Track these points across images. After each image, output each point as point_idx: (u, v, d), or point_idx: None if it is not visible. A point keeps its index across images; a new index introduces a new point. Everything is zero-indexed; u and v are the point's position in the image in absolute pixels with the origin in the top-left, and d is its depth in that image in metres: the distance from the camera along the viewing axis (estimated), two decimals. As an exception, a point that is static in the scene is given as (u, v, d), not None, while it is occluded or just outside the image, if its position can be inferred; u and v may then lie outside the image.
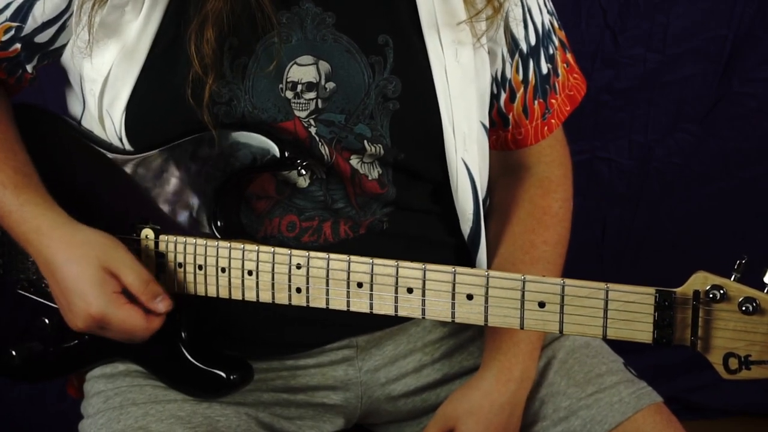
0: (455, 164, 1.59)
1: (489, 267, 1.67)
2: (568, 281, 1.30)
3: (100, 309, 1.48)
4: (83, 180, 1.63)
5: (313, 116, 1.54)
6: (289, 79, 1.53)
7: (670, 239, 2.99)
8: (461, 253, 1.68)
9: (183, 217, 1.54)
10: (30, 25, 1.57)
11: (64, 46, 1.60)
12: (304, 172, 1.53)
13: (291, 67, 1.53)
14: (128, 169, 1.57)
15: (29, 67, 1.63)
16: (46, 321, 1.63)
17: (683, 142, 2.90)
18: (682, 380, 2.91)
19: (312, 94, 1.53)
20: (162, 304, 1.50)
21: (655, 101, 2.86)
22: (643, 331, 1.27)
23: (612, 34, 2.80)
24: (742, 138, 2.89)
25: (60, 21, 1.56)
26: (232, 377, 1.56)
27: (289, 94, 1.53)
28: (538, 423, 1.62)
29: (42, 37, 1.58)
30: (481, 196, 1.64)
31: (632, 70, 2.83)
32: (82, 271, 1.49)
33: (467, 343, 1.70)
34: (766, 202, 2.95)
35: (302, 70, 1.53)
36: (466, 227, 1.65)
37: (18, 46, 1.59)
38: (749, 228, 2.97)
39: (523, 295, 1.32)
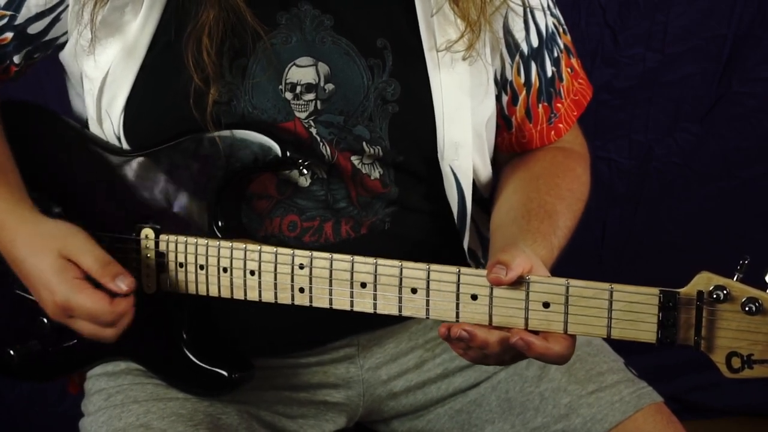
0: (443, 170, 1.59)
1: (503, 216, 1.61)
2: (572, 281, 1.30)
3: (63, 296, 1.48)
4: (82, 179, 1.63)
5: (313, 117, 1.54)
6: (288, 80, 1.53)
7: (670, 239, 2.99)
8: (463, 255, 1.68)
9: (183, 216, 1.54)
10: (24, 15, 1.58)
11: (56, 39, 1.61)
12: (306, 171, 1.53)
13: (290, 68, 1.53)
14: (128, 168, 1.57)
15: (16, 58, 1.63)
16: (45, 321, 1.62)
17: (683, 142, 2.90)
18: (682, 380, 2.91)
19: (311, 96, 1.54)
20: (124, 283, 1.48)
21: (654, 101, 2.87)
22: (647, 332, 1.27)
23: (612, 33, 2.80)
24: (742, 138, 2.90)
25: (54, 12, 1.58)
26: (234, 375, 1.56)
27: (289, 95, 1.53)
28: (538, 419, 1.63)
29: (35, 28, 1.59)
30: (468, 203, 1.62)
31: (632, 69, 2.84)
32: (42, 261, 1.49)
33: None
34: (766, 202, 2.96)
35: (301, 72, 1.54)
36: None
37: (9, 35, 1.60)
38: (749, 228, 2.97)
39: (527, 296, 1.31)
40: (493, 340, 1.33)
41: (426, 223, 1.64)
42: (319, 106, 1.54)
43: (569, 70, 1.71)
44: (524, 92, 1.66)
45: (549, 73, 1.67)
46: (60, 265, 1.49)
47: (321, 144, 1.55)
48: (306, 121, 1.54)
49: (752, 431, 3.01)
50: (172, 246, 1.53)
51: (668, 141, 2.90)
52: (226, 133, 1.51)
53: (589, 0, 2.77)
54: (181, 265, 1.52)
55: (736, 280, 1.24)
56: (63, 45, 1.62)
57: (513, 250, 1.34)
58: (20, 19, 1.58)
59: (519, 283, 1.32)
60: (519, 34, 1.62)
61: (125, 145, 1.58)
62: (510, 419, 1.65)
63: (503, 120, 1.68)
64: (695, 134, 2.90)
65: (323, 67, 1.54)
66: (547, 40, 1.65)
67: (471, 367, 1.69)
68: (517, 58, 1.63)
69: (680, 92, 2.86)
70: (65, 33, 1.60)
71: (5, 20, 1.59)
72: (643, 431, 1.59)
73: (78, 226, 1.53)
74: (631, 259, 2.99)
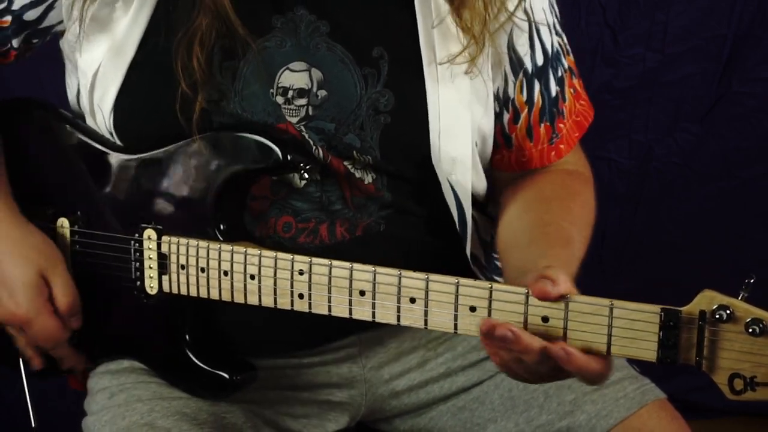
0: (441, 183, 1.57)
1: (518, 235, 1.58)
2: (572, 297, 1.28)
3: (28, 313, 1.55)
4: (85, 178, 1.63)
5: (303, 123, 1.53)
6: (280, 85, 1.52)
7: (670, 239, 2.99)
8: (460, 259, 1.67)
9: (185, 219, 1.54)
10: (18, 2, 1.58)
11: (52, 27, 1.61)
12: (307, 176, 1.53)
13: (283, 72, 1.53)
14: (131, 168, 1.57)
15: (15, 42, 1.63)
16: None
17: (683, 142, 2.90)
18: (682, 380, 2.88)
19: (303, 101, 1.53)
20: (76, 322, 1.60)
21: (654, 100, 2.86)
22: (647, 350, 1.25)
23: (612, 33, 2.80)
24: (742, 138, 2.89)
25: (48, 1, 1.58)
26: (235, 378, 1.57)
27: (280, 100, 1.52)
28: (543, 416, 1.63)
29: (30, 15, 1.59)
30: (468, 215, 1.61)
31: (632, 69, 2.83)
32: (17, 269, 1.55)
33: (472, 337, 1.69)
34: (766, 202, 2.95)
35: (294, 76, 1.52)
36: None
37: (8, 18, 1.60)
38: (749, 228, 2.96)
39: (526, 309, 1.31)
40: (535, 347, 1.28)
41: (421, 226, 1.63)
42: (310, 112, 1.53)
43: (572, 90, 1.69)
44: (526, 110, 1.63)
45: (553, 93, 1.64)
46: (36, 283, 1.55)
47: (313, 147, 1.54)
48: (297, 126, 1.53)
49: (752, 431, 3.01)
50: (174, 248, 1.53)
51: (668, 141, 2.90)
52: (227, 135, 1.51)
53: (589, -1, 2.78)
54: (182, 267, 1.52)
55: (741, 299, 1.21)
56: (62, 32, 1.63)
57: (556, 269, 1.32)
58: (16, 6, 1.58)
59: (518, 296, 1.31)
60: (523, 50, 1.59)
61: (116, 140, 1.58)
62: (513, 417, 1.65)
63: (503, 138, 1.65)
64: (695, 134, 2.89)
65: (317, 73, 1.53)
66: (552, 59, 1.63)
67: (474, 366, 1.69)
68: (521, 75, 1.61)
69: (680, 92, 2.86)
70: (61, 21, 1.60)
71: (5, 3, 1.59)
72: (648, 427, 1.59)
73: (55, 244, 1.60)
74: (631, 259, 2.98)
